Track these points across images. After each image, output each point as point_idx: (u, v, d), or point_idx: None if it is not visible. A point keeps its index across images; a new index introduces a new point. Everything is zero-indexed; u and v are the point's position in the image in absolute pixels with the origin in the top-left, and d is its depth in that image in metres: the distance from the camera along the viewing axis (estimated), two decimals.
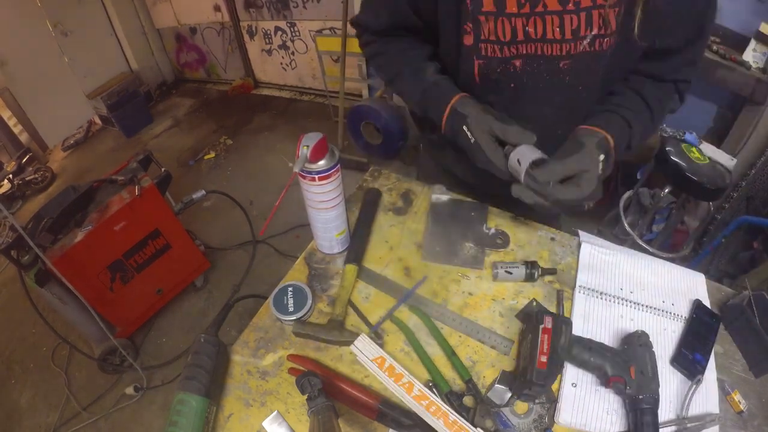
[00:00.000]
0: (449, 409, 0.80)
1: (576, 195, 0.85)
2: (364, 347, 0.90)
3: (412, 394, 0.82)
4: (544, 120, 0.99)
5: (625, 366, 0.83)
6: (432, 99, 1.01)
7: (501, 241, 1.13)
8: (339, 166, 0.95)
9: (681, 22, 0.86)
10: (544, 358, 0.81)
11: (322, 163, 0.92)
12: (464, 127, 0.92)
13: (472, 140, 0.91)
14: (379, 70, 1.14)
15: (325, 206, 1.00)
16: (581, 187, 0.85)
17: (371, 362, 0.87)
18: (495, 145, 0.90)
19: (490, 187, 1.09)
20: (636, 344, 0.86)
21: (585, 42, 0.86)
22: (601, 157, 0.88)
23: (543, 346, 0.82)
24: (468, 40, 0.92)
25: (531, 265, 1.03)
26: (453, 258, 1.11)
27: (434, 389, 0.87)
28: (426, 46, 1.07)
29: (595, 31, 0.84)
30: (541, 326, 0.85)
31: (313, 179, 0.93)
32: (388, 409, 0.82)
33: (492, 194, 1.20)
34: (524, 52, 0.89)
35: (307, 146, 0.88)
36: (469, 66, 0.96)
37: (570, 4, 0.81)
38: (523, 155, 0.86)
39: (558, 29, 0.84)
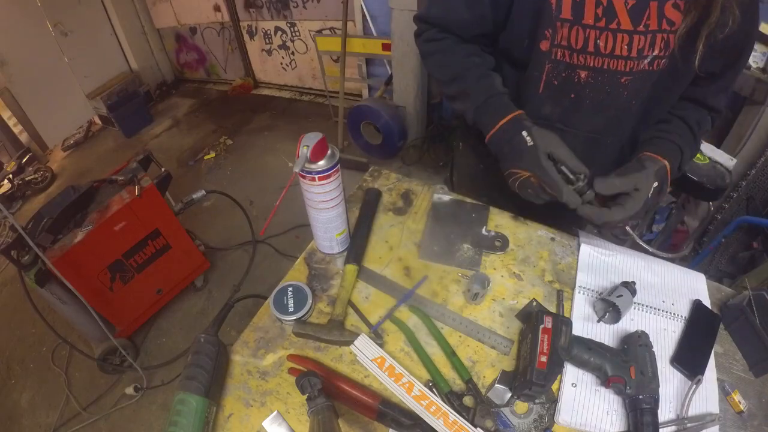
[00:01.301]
0: (449, 409, 0.80)
1: (618, 216, 0.88)
2: (364, 347, 0.90)
3: (412, 394, 0.82)
4: (596, 130, 1.05)
5: (625, 366, 0.83)
6: (494, 106, 1.01)
7: (500, 243, 1.13)
8: (339, 166, 0.95)
9: (725, 50, 0.90)
10: (544, 358, 0.81)
11: (322, 163, 0.92)
12: (524, 132, 0.93)
13: (530, 144, 0.92)
14: (439, 68, 1.12)
15: (325, 206, 1.00)
16: (625, 208, 0.88)
17: (371, 362, 0.88)
18: (550, 161, 0.91)
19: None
20: (636, 344, 0.86)
21: (646, 61, 0.91)
22: (655, 184, 0.91)
23: (543, 346, 0.82)
24: (544, 45, 0.95)
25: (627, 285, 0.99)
26: (450, 258, 1.11)
27: (434, 389, 0.87)
28: (490, 57, 1.08)
29: (656, 52, 0.89)
30: (541, 326, 0.85)
31: (313, 179, 0.93)
32: (388, 409, 0.82)
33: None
34: (591, 64, 0.93)
35: (307, 146, 0.88)
36: (539, 71, 0.99)
37: (641, 26, 0.86)
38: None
39: (626, 47, 0.89)
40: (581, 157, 0.90)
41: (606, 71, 0.93)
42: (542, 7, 0.90)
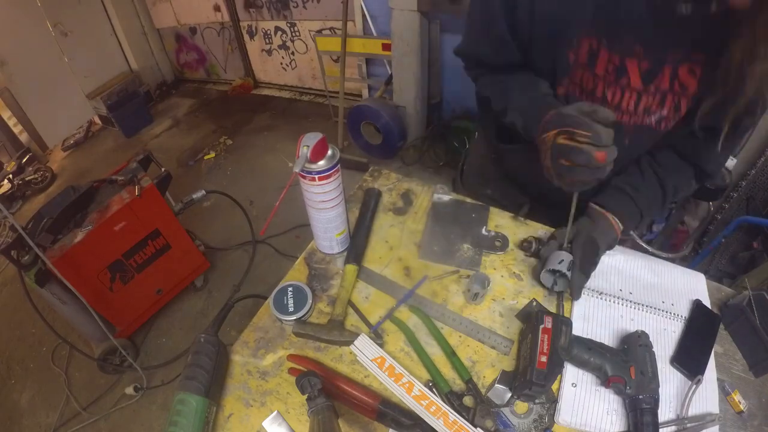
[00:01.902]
0: (449, 409, 0.80)
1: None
2: (364, 347, 0.90)
3: (412, 394, 0.82)
4: None
5: (625, 366, 0.83)
6: (540, 108, 0.92)
7: (500, 243, 1.13)
8: (339, 166, 0.95)
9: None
10: (544, 359, 0.81)
11: (322, 163, 0.92)
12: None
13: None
14: (485, 88, 1.11)
15: (325, 206, 1.00)
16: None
17: (371, 362, 0.88)
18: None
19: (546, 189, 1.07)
20: (636, 344, 0.86)
21: (652, 118, 0.92)
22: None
23: (543, 346, 0.82)
24: (560, 91, 0.97)
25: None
26: (450, 258, 1.11)
27: (434, 389, 0.87)
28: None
29: (664, 113, 0.90)
30: (541, 326, 0.85)
31: (313, 179, 0.93)
32: (388, 409, 0.82)
33: (540, 194, 1.22)
34: None
35: (307, 146, 0.88)
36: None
37: (652, 86, 0.87)
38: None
39: (633, 104, 0.90)
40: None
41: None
42: (558, 57, 0.91)
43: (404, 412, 0.82)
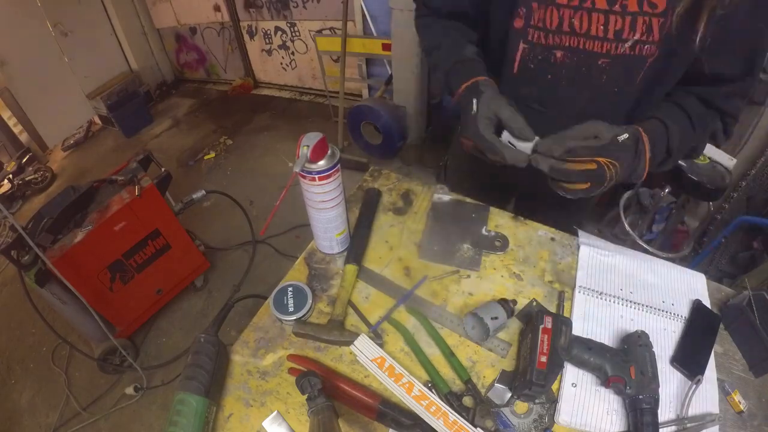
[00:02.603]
0: (449, 409, 0.80)
1: (558, 147, 0.83)
2: (363, 347, 0.90)
3: (412, 394, 0.82)
4: (571, 117, 0.94)
5: (624, 366, 0.83)
6: (460, 71, 1.01)
7: (500, 243, 1.13)
8: (339, 166, 0.95)
9: (732, 48, 0.86)
10: (543, 359, 0.81)
11: (322, 163, 0.92)
12: (474, 99, 0.91)
13: (473, 112, 0.90)
14: (422, 41, 1.17)
15: (325, 206, 1.00)
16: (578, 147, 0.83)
17: (371, 362, 0.88)
18: (491, 126, 0.89)
19: (513, 178, 1.09)
20: (636, 344, 0.86)
21: (626, 45, 0.88)
22: (625, 135, 0.84)
23: (543, 347, 0.82)
24: (518, 23, 0.95)
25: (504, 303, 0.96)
26: (450, 258, 1.11)
27: (433, 389, 0.87)
28: (471, 31, 1.09)
29: (637, 36, 0.86)
30: (541, 326, 0.85)
31: (313, 179, 0.93)
32: (388, 409, 0.82)
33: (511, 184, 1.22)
34: (567, 44, 0.92)
35: (307, 146, 0.88)
36: (513, 51, 0.99)
37: (617, 6, 0.83)
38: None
39: (602, 27, 0.87)
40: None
41: (582, 51, 0.91)
42: None
43: (404, 412, 0.82)
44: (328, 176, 0.94)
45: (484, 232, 1.16)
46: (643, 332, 0.88)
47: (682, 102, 0.96)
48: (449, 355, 0.92)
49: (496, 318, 0.91)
